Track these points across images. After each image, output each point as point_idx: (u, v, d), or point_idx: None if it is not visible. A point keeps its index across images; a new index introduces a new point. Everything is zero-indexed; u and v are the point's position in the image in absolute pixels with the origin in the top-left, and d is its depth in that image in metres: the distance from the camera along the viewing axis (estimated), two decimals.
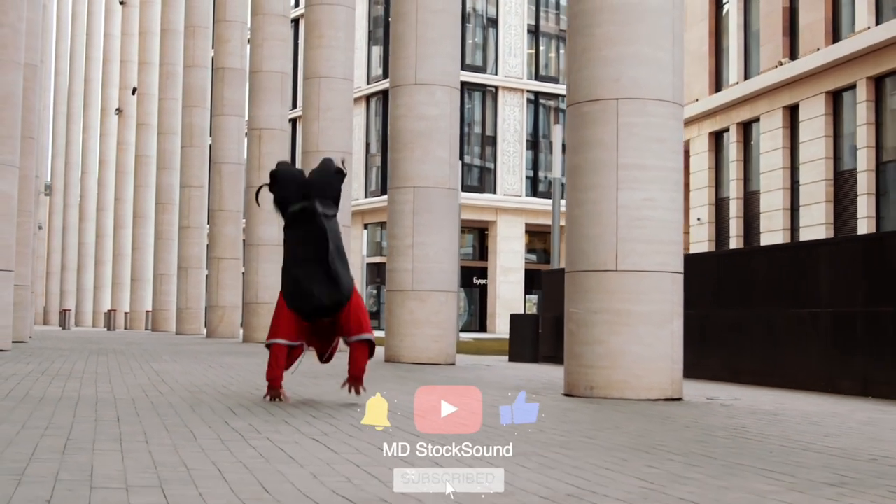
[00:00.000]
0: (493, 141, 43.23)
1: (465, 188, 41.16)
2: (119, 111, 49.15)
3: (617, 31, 8.09)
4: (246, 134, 22.02)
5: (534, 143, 43.90)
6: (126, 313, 45.02)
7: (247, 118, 21.87)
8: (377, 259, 42.67)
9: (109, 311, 44.53)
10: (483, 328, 43.21)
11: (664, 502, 3.43)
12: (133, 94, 44.44)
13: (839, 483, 3.95)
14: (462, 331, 41.14)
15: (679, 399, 8.05)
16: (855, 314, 9.35)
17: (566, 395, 8.20)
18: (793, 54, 27.01)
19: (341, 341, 6.71)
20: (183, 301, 27.68)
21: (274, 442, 4.64)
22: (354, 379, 6.51)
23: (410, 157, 12.75)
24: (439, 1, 13.03)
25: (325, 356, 6.89)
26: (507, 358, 15.71)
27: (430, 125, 12.78)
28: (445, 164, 12.87)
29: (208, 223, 25.45)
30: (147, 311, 39.92)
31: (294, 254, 6.54)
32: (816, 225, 25.65)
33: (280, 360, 6.48)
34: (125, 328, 43.03)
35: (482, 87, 43.12)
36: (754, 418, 6.67)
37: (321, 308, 6.38)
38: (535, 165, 43.91)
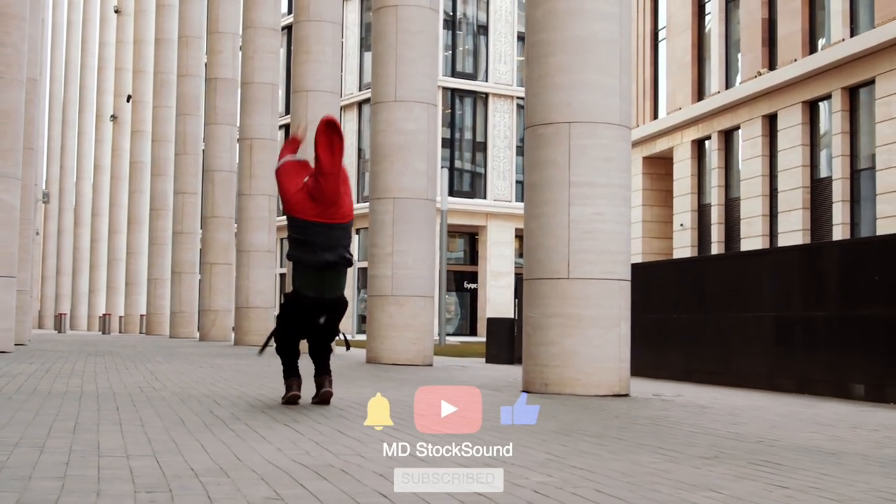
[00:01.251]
0: (483, 147, 44.15)
1: (456, 193, 42.11)
2: (114, 118, 50.09)
3: (569, 60, 8.98)
4: (238, 140, 22.85)
5: (523, 149, 44.79)
6: (121, 317, 45.91)
7: (238, 127, 22.74)
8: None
9: (104, 314, 45.44)
10: (474, 332, 44.09)
11: (558, 468, 4.31)
12: (128, 101, 45.36)
13: (712, 457, 4.83)
14: (453, 334, 42.07)
15: (626, 395, 8.91)
16: (793, 318, 10.25)
17: (524, 391, 9.07)
18: (771, 65, 27.95)
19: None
20: (176, 305, 28.55)
21: (250, 426, 5.52)
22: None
23: (390, 170, 13.64)
24: (418, 22, 13.92)
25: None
26: (485, 360, 16.59)
27: (408, 139, 13.67)
28: (423, 177, 13.76)
29: (201, 229, 26.31)
30: (141, 315, 40.86)
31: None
32: (794, 231, 26.57)
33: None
34: (120, 332, 43.92)
35: (473, 94, 44.04)
36: (683, 411, 7.55)
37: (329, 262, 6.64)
38: (524, 171, 44.83)
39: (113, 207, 50.12)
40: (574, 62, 8.96)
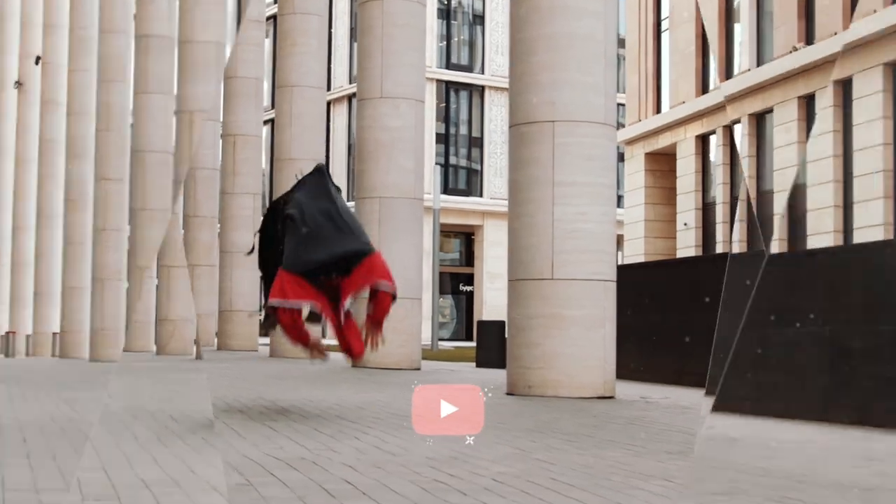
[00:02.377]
0: (479, 142, 44.53)
1: (451, 192, 42.49)
2: (18, 85, 41.26)
3: (551, 58, 9.38)
4: (221, 136, 23.06)
5: None
6: (28, 336, 37.71)
7: (221, 123, 23.01)
8: None
9: (7, 333, 38.94)
10: (470, 336, 44.35)
11: (523, 461, 4.73)
12: (36, 63, 37.59)
13: (675, 452, 5.25)
14: (448, 339, 42.39)
15: (611, 397, 9.32)
16: None
17: (508, 393, 9.49)
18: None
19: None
20: (98, 320, 24.65)
21: (227, 424, 5.94)
22: (375, 323, 6.48)
23: (375, 168, 14.01)
24: (404, 15, 14.30)
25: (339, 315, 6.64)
26: (475, 363, 16.99)
27: (394, 136, 14.03)
28: (410, 174, 14.14)
29: (130, 224, 23.77)
30: (54, 333, 33.55)
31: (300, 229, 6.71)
32: None
33: (299, 326, 6.36)
34: (26, 354, 36.40)
35: (468, 87, 44.43)
36: (662, 412, 7.97)
37: (335, 257, 6.53)
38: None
39: (18, 198, 41.38)
40: (557, 60, 9.36)
